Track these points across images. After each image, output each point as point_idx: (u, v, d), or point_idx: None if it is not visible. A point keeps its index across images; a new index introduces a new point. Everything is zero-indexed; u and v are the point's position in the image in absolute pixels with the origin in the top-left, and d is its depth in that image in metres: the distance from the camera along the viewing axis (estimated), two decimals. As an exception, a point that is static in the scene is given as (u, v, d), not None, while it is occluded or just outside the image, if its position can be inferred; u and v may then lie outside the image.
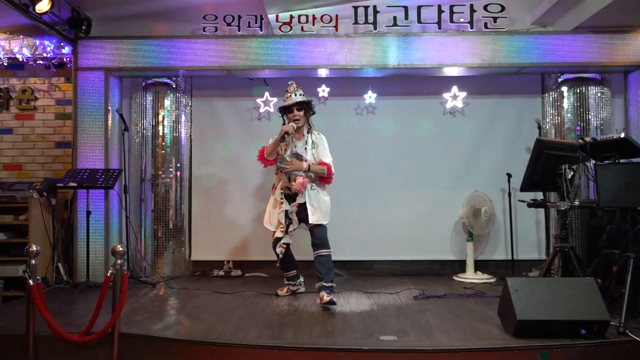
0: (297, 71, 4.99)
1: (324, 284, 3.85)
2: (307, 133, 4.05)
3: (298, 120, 3.98)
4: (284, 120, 4.12)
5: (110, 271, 2.86)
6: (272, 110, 5.34)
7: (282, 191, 4.03)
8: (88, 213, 4.63)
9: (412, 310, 3.71)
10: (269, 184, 5.29)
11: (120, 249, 2.89)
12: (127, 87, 5.32)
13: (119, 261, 2.88)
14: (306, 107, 4.04)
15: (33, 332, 2.94)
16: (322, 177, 3.96)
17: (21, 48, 5.21)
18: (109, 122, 5.02)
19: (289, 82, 4.11)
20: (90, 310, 3.11)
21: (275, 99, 5.33)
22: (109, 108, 5.01)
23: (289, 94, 4.03)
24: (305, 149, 4.01)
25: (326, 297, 3.76)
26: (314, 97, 5.31)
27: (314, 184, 3.97)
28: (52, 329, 2.87)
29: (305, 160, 3.93)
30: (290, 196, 4.01)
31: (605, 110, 4.98)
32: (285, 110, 4.06)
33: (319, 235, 3.89)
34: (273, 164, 4.02)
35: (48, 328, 2.90)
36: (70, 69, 5.10)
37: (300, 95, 4.01)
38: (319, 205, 3.93)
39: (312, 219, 3.89)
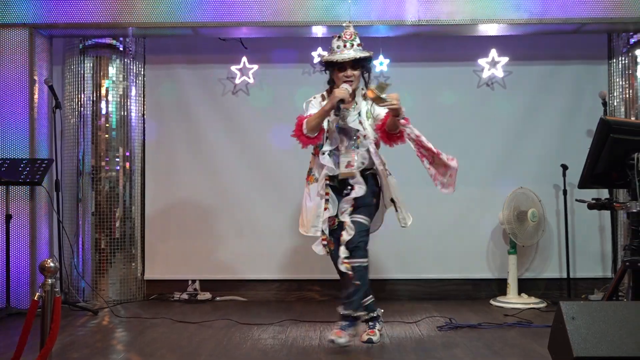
0: (285, 29, 4.99)
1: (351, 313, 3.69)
2: (362, 99, 3.83)
3: (352, 82, 3.74)
4: (330, 80, 3.85)
5: (37, 294, 2.86)
6: (251, 80, 5.35)
7: (326, 182, 3.77)
8: (8, 217, 4.63)
9: (436, 345, 3.72)
10: (250, 180, 5.33)
11: (51, 264, 2.89)
12: (59, 51, 5.32)
13: (49, 281, 2.87)
14: (364, 65, 3.83)
15: None
16: (394, 135, 3.79)
17: None
18: (35, 96, 5.01)
19: (345, 25, 3.84)
20: (11, 346, 3.11)
21: (255, 66, 5.34)
22: (35, 78, 5.00)
23: (343, 43, 3.75)
24: (360, 122, 3.77)
25: (365, 335, 3.75)
26: (307, 63, 5.33)
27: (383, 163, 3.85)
28: (-40, 371, 2.88)
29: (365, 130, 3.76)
30: (337, 189, 3.78)
31: (692, 82, 5.02)
32: (333, 66, 3.78)
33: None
34: (316, 142, 3.75)
35: (-45, 369, 2.91)
36: (-17, 27, 5.08)
37: (358, 47, 3.77)
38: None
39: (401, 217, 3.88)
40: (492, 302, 5.06)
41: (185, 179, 5.40)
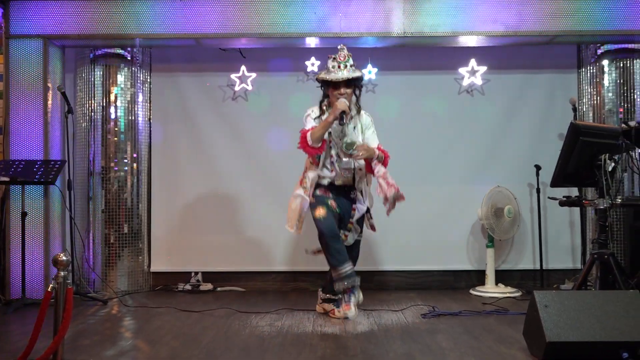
0: (281, 40, 4.98)
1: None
2: (357, 114, 4.09)
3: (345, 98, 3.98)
4: (324, 94, 4.06)
5: (51, 285, 2.85)
6: (249, 87, 5.34)
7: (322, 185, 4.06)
8: (23, 214, 4.61)
9: (420, 331, 3.73)
10: (248, 179, 5.32)
11: (64, 258, 2.88)
12: (70, 60, 5.29)
13: (61, 273, 2.86)
14: (357, 84, 4.04)
15: (-44, 360, 2.92)
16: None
17: (-62, 11, 5.13)
18: (49, 102, 4.98)
19: (339, 47, 4.02)
20: (26, 334, 3.10)
21: (253, 74, 5.33)
22: (49, 85, 4.97)
23: (337, 64, 3.96)
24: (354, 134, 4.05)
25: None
26: (302, 71, 5.33)
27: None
28: (-21, 357, 2.86)
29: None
30: (338, 188, 4.07)
31: (654, 89, 5.04)
32: (328, 84, 4.00)
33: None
34: (321, 152, 3.95)
35: (-26, 355, 2.89)
36: (0, 37, 5.05)
37: (351, 67, 3.96)
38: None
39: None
40: (471, 291, 5.08)
41: (188, 179, 5.39)
